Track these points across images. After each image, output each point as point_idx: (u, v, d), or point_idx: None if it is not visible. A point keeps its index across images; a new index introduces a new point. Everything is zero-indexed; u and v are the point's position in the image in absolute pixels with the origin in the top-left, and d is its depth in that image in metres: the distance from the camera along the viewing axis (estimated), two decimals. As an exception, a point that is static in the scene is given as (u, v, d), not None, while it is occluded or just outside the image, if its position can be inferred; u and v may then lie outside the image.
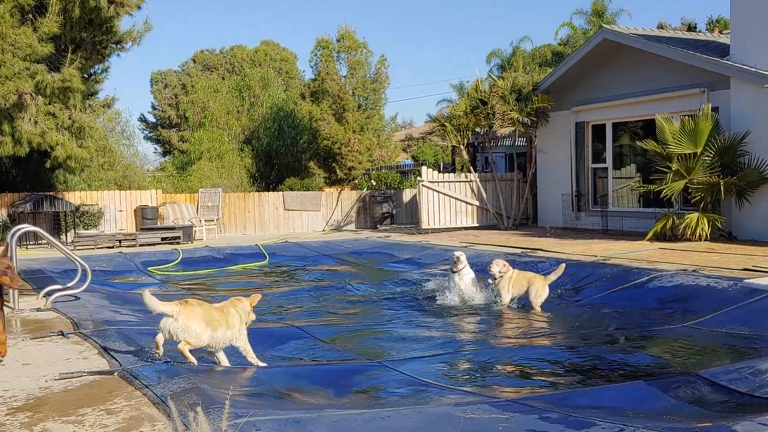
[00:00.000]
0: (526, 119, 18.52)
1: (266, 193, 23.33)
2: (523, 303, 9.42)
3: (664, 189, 14.15)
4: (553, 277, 9.29)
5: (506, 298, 9.35)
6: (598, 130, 18.14)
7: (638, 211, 16.79)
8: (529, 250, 13.51)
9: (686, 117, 14.31)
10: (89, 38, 17.00)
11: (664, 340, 7.45)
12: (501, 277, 9.37)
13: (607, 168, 17.94)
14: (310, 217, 22.93)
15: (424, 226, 19.82)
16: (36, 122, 15.86)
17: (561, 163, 18.81)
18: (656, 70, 15.99)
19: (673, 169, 14.07)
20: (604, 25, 19.58)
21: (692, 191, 13.99)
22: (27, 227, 8.98)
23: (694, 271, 9.78)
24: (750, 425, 4.00)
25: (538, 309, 9.11)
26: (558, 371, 6.40)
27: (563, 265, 9.44)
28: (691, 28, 31.01)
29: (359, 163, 27.54)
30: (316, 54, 28.18)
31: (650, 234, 14.26)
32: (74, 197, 19.74)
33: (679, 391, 5.42)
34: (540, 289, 9.22)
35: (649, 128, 15.92)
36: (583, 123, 18.29)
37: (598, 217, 17.51)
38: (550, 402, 5.19)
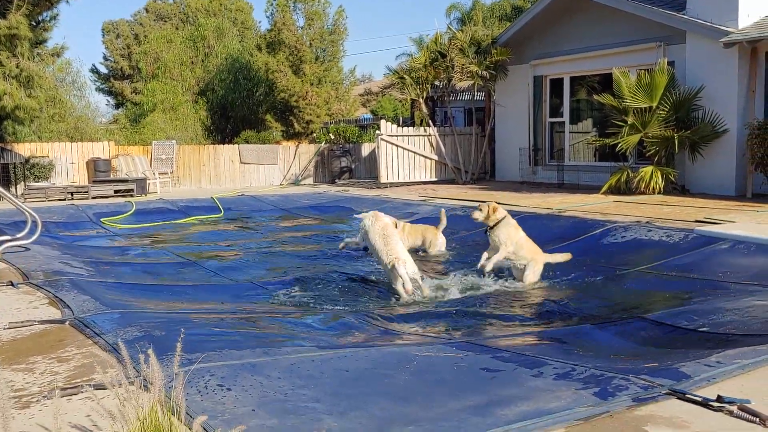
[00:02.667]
0: (485, 72, 18.45)
1: (222, 146, 22.98)
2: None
3: (619, 143, 14.29)
4: (442, 225, 10.08)
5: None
6: (556, 85, 18.19)
7: (594, 165, 16.97)
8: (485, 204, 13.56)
9: (643, 71, 14.42)
10: (36, -17, 16.39)
11: (617, 287, 7.59)
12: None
13: (564, 122, 18.04)
14: (267, 170, 22.69)
15: (383, 180, 19.77)
16: (-19, 70, 15.31)
17: (519, 117, 18.85)
18: (614, 24, 16.02)
19: (629, 123, 14.20)
20: (563, -22, 19.48)
21: (647, 145, 14.16)
22: (-28, 176, 8.70)
23: (647, 222, 9.96)
24: (695, 367, 4.10)
25: (434, 253, 9.93)
26: (513, 318, 6.48)
27: (443, 210, 10.43)
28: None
29: (317, 117, 27.25)
30: (272, 4, 27.57)
31: (605, 187, 14.43)
32: (24, 149, 19.19)
33: (628, 333, 5.56)
34: (433, 238, 10.00)
35: (606, 82, 16.01)
36: (541, 77, 18.32)
37: (555, 171, 17.66)
38: (504, 343, 5.26)
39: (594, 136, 16.91)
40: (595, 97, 15.68)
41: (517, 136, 18.91)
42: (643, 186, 13.78)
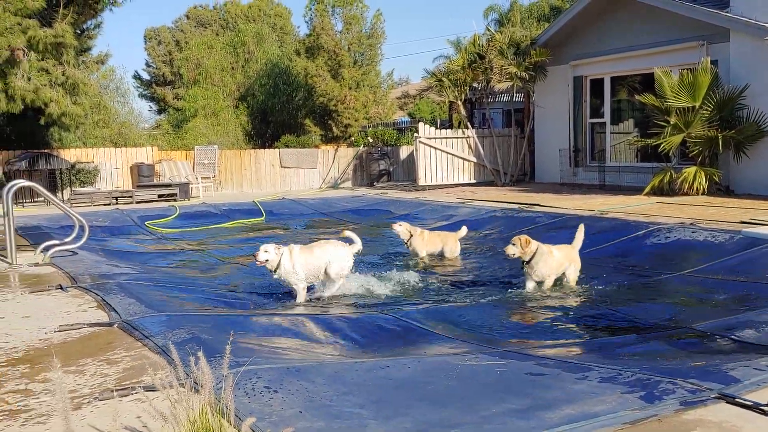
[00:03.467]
0: (523, 74, 18.36)
1: (262, 150, 23.23)
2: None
3: (662, 143, 14.10)
4: (462, 233, 10.26)
5: (422, 253, 10.10)
6: (596, 85, 18.01)
7: (636, 165, 16.75)
8: (525, 206, 13.51)
9: (685, 70, 14.21)
10: (81, -8, 16.78)
11: (661, 291, 7.49)
12: (411, 236, 10.14)
13: (605, 123, 17.86)
14: (306, 174, 22.87)
15: (421, 182, 19.78)
16: (29, 78, 15.72)
17: (559, 118, 18.71)
18: (655, 23, 15.82)
19: (672, 123, 14.00)
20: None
21: (690, 145, 13.95)
22: (23, 182, 8.96)
23: (691, 224, 9.81)
24: (744, 370, 4.03)
25: (451, 258, 10.12)
26: (556, 323, 6.43)
27: (464, 227, 10.44)
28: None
29: (355, 121, 27.35)
30: (310, 9, 27.74)
31: (648, 188, 14.25)
32: (70, 155, 19.64)
33: (674, 340, 5.48)
34: (453, 245, 10.17)
35: (647, 82, 15.80)
36: (581, 77, 18.15)
37: (596, 172, 17.48)
38: (547, 352, 5.23)
39: (635, 136, 16.70)
40: (637, 97, 15.48)
41: (557, 138, 18.76)
42: (686, 187, 13.57)
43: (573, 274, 7.73)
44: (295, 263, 7.18)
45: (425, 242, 10.15)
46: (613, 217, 11.28)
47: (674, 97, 13.97)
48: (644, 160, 16.62)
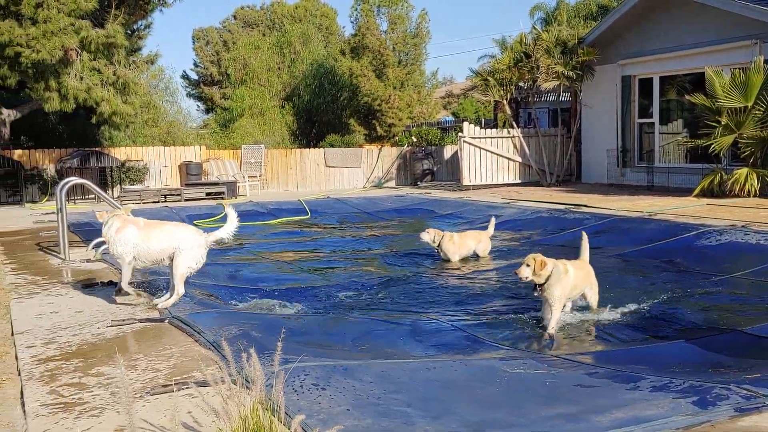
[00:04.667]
0: (570, 73, 18.17)
1: (308, 149, 23.41)
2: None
3: (712, 144, 13.82)
4: (490, 230, 10.07)
5: (455, 257, 9.66)
6: (645, 84, 17.72)
7: (685, 166, 16.44)
8: (572, 206, 13.36)
9: (737, 70, 13.89)
10: (132, -7, 17.12)
11: (711, 294, 7.34)
12: (441, 239, 9.69)
13: (653, 123, 17.57)
14: (350, 173, 22.97)
15: (465, 182, 19.71)
16: (81, 78, 16.09)
17: (606, 118, 18.46)
18: (706, 22, 15.50)
19: (722, 123, 13.72)
20: (652, -25, 18.97)
21: (742, 146, 13.64)
22: (76, 180, 9.17)
23: (743, 226, 9.60)
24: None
25: (483, 256, 9.90)
26: (603, 328, 6.34)
27: (492, 218, 10.38)
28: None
29: (399, 120, 27.40)
30: (356, 9, 27.91)
31: (697, 190, 13.99)
32: (120, 153, 20.06)
33: (726, 346, 5.37)
34: (486, 244, 9.97)
35: (697, 82, 15.51)
36: (630, 77, 17.88)
37: (644, 173, 17.21)
38: (595, 359, 5.17)
39: (685, 136, 16.40)
40: (687, 97, 15.20)
41: (604, 137, 18.52)
42: (737, 188, 13.28)
43: (592, 297, 6.75)
44: None
45: (456, 245, 9.71)
46: (661, 218, 11.10)
47: (725, 96, 13.68)
48: (694, 160, 16.30)
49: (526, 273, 6.14)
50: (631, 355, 5.56)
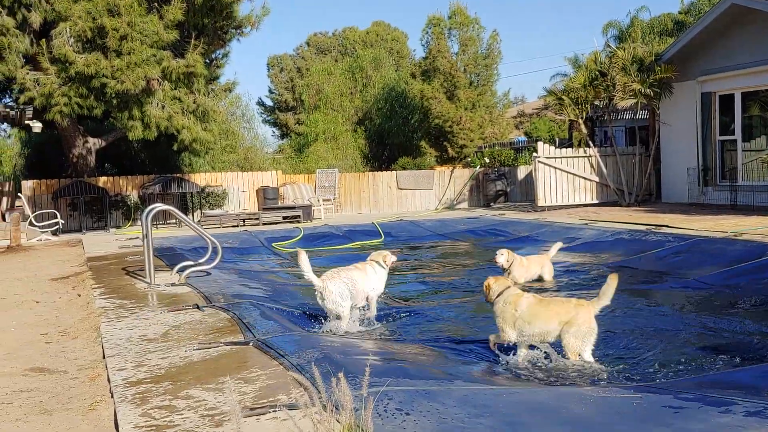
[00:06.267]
0: (648, 90, 17.81)
1: (380, 172, 23.59)
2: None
3: (800, 160, 13.30)
4: (552, 253, 10.03)
5: (522, 280, 9.57)
6: (726, 101, 17.20)
7: (771, 185, 15.85)
8: (653, 227, 13.02)
9: (826, 83, 13.36)
10: (211, 24, 17.65)
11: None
12: (511, 263, 9.62)
13: (735, 140, 17.01)
14: (422, 195, 23.01)
15: (540, 203, 19.47)
16: (163, 107, 16.63)
17: (686, 135, 17.98)
18: (789, 35, 14.99)
19: (811, 138, 13.20)
20: (732, -12, 18.47)
21: (833, 162, 13.08)
22: (161, 206, 9.46)
23: (837, 246, 9.17)
24: None
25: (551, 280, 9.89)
26: (691, 351, 6.14)
27: (559, 243, 10.28)
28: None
29: (471, 141, 27.33)
30: (427, 32, 28.08)
31: (786, 209, 13.46)
32: (199, 179, 20.64)
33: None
34: (550, 268, 9.97)
35: (783, 97, 14.98)
36: (710, 93, 17.40)
37: (727, 191, 16.66)
38: (683, 384, 5.01)
39: (770, 153, 15.82)
40: (772, 112, 14.68)
41: (684, 156, 18.03)
42: (830, 206, 12.72)
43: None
44: None
45: (526, 269, 9.78)
46: (747, 239, 10.70)
47: (814, 111, 13.16)
48: (780, 178, 15.71)
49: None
50: (721, 378, 5.36)
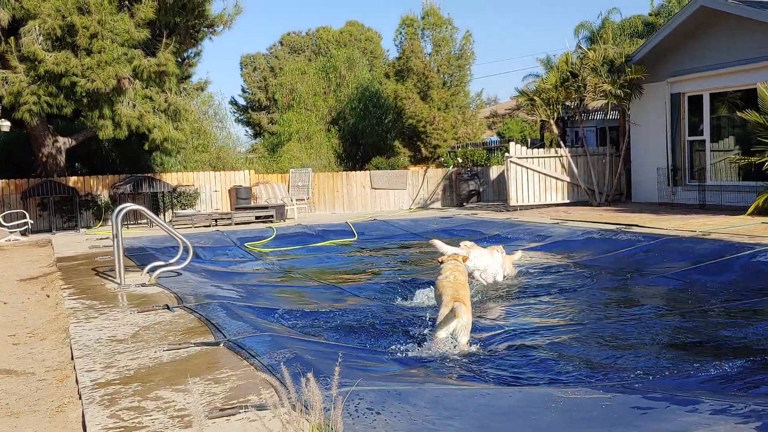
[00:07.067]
0: (618, 91, 18.01)
1: (354, 172, 23.58)
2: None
3: (766, 161, 13.53)
4: (517, 256, 10.27)
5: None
6: (695, 102, 17.45)
7: (738, 184, 16.09)
8: (624, 226, 13.18)
9: (791, 85, 13.62)
10: (183, 23, 17.51)
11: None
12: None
13: (704, 140, 17.27)
14: (396, 195, 23.05)
15: (513, 203, 19.60)
16: (134, 106, 16.47)
17: (656, 136, 18.22)
18: (756, 37, 15.22)
19: (777, 139, 13.44)
20: (700, -9, 18.73)
21: (798, 163, 13.34)
22: (132, 206, 9.38)
23: (802, 245, 9.36)
24: None
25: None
26: (661, 348, 6.24)
27: (520, 251, 10.57)
28: (795, -9, 29.27)
29: (444, 141, 27.39)
30: (400, 32, 28.07)
31: (751, 208, 13.69)
32: (171, 178, 20.47)
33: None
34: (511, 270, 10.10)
35: (749, 98, 15.23)
36: (679, 94, 17.64)
37: (696, 191, 16.91)
38: (652, 383, 5.09)
39: (737, 154, 16.06)
40: (738, 113, 14.92)
41: (654, 156, 18.27)
42: (794, 206, 12.97)
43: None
44: None
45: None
46: (715, 238, 10.88)
47: (780, 112, 13.41)
48: (747, 178, 15.95)
49: None
50: (689, 377, 5.45)
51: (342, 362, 4.87)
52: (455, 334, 5.92)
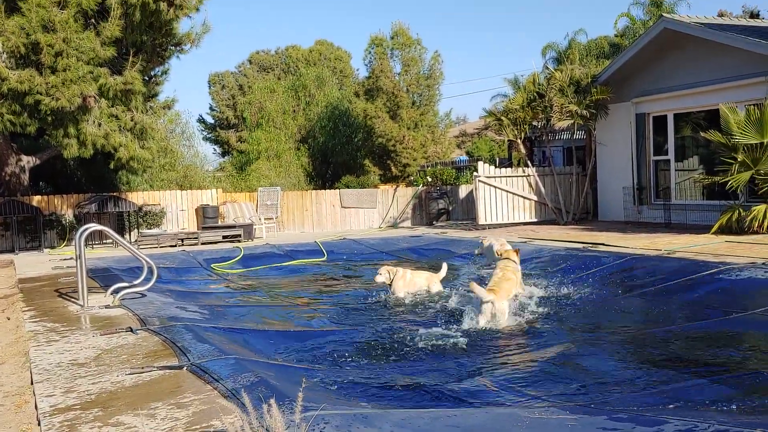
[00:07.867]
0: (584, 112, 18.24)
1: (323, 191, 23.54)
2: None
3: (729, 180, 13.77)
4: (442, 274, 10.62)
5: (401, 293, 10.25)
6: (659, 122, 17.74)
7: (702, 203, 16.36)
8: (590, 245, 13.30)
9: (752, 106, 13.89)
10: (150, 41, 17.38)
11: (732, 332, 7.25)
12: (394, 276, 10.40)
13: (669, 160, 17.54)
14: (366, 214, 23.03)
15: (481, 222, 19.69)
16: (100, 124, 16.29)
17: (621, 155, 18.47)
18: (719, 59, 15.56)
19: (739, 160, 13.68)
20: (664, 14, 19.12)
21: (759, 182, 13.58)
22: (95, 226, 9.22)
23: (763, 263, 9.50)
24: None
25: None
26: (627, 369, 6.26)
27: (445, 264, 10.86)
28: (754, 15, 30.02)
29: (414, 160, 27.49)
30: (370, 52, 28.21)
31: (715, 227, 13.89)
32: (137, 197, 20.23)
33: (749, 384, 5.29)
34: (436, 284, 10.49)
35: (712, 119, 15.52)
36: (644, 114, 17.92)
37: (661, 210, 17.15)
38: (620, 403, 5.10)
39: (701, 173, 16.34)
40: (702, 134, 15.18)
41: (620, 175, 18.50)
42: (756, 225, 13.18)
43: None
44: None
45: (407, 282, 10.36)
46: (680, 257, 11.01)
47: (741, 133, 13.66)
48: (711, 197, 16.23)
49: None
50: (655, 394, 5.47)
51: (306, 386, 4.82)
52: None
